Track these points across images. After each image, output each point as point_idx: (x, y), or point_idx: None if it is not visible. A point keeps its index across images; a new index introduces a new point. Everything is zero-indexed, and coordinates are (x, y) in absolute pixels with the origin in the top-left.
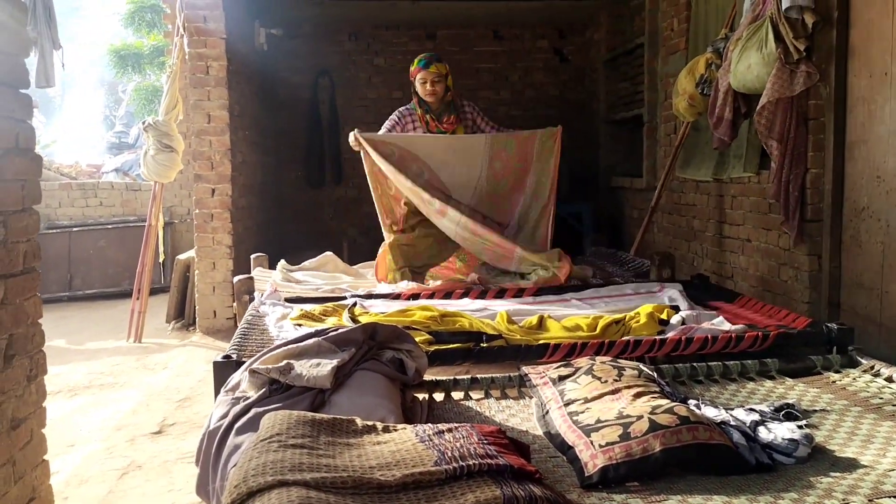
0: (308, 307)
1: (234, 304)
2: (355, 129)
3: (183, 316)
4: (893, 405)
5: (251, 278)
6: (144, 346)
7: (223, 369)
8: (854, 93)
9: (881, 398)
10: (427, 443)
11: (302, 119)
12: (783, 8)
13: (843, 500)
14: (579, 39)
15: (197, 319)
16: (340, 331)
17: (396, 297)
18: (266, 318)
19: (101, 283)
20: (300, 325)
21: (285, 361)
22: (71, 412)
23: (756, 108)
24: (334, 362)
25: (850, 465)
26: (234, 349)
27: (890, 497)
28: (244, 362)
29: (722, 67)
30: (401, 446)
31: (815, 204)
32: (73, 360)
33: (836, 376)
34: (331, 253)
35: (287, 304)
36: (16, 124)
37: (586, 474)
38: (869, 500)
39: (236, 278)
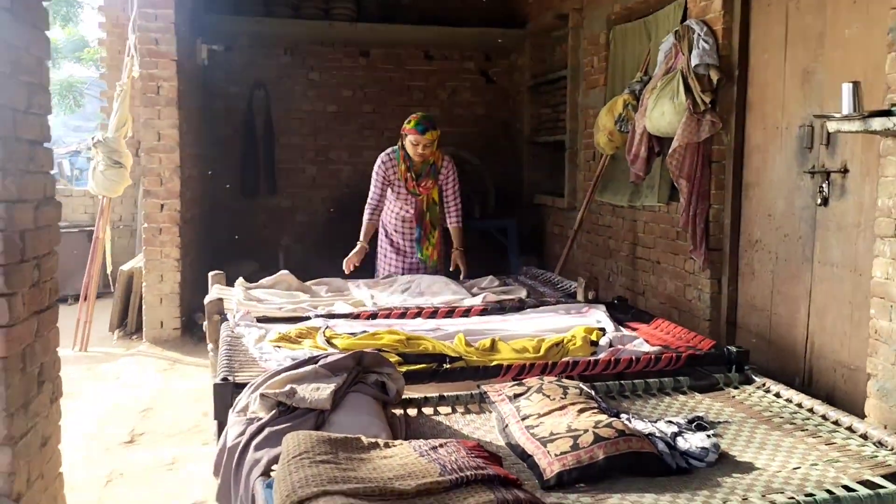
0: (283, 329)
1: (205, 323)
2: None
3: (125, 324)
4: (781, 417)
5: (220, 300)
6: (91, 354)
7: (222, 389)
8: (751, 141)
9: (771, 411)
10: (426, 457)
11: (237, 129)
12: (692, 64)
13: (744, 496)
14: (504, 63)
15: (144, 329)
16: (332, 358)
17: (356, 316)
18: (243, 339)
19: None
20: (279, 346)
21: (289, 386)
22: None
23: (668, 149)
24: (332, 386)
25: (748, 467)
26: (226, 371)
27: (778, 493)
28: (239, 383)
29: (638, 112)
30: (405, 460)
31: (717, 235)
32: None
33: (735, 392)
34: (286, 271)
35: (260, 324)
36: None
37: (545, 478)
38: (763, 496)
39: (207, 299)
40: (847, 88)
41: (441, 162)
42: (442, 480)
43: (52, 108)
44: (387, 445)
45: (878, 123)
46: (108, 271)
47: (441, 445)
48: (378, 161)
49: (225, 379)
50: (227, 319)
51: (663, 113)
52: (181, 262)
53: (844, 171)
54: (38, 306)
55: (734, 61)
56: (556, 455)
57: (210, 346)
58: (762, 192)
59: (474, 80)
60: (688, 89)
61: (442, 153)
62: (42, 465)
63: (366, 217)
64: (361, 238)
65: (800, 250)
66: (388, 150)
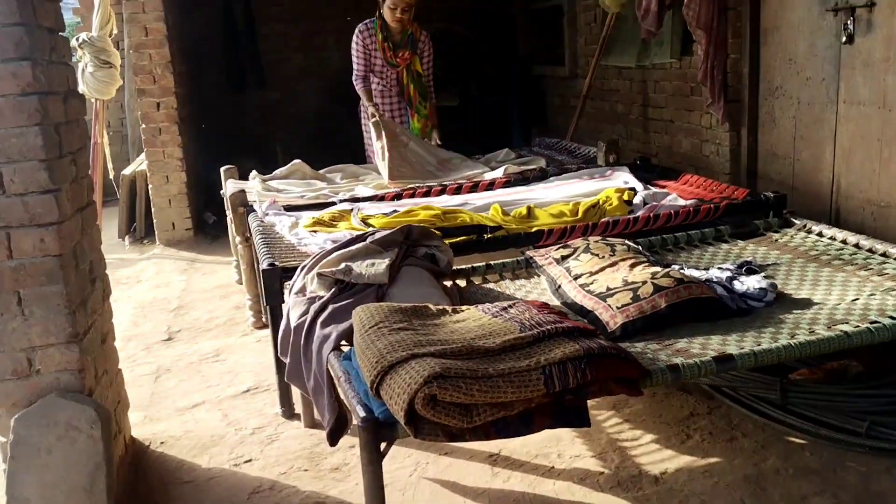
0: (314, 214)
1: (230, 216)
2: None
3: (134, 230)
4: (828, 255)
5: (243, 192)
6: (107, 261)
7: (270, 275)
8: None
9: (817, 250)
10: (500, 317)
11: (216, 21)
12: None
13: (810, 329)
14: None
15: (156, 232)
16: (381, 234)
17: (381, 198)
18: (275, 227)
19: None
20: (315, 231)
21: (344, 264)
22: None
23: (679, 1)
24: (386, 261)
25: (807, 303)
26: (268, 257)
27: (843, 324)
28: (286, 267)
29: None
30: (481, 322)
31: (735, 86)
32: None
33: (776, 235)
34: (299, 161)
35: (288, 213)
36: None
37: (609, 330)
38: (828, 328)
39: (228, 193)
40: None
41: (419, 34)
42: (524, 336)
43: None
44: (455, 311)
45: None
46: (111, 177)
47: (510, 306)
48: (356, 32)
49: (271, 265)
50: (252, 211)
51: None
52: (184, 161)
53: (871, 4)
54: (80, 203)
55: None
56: (617, 308)
57: (238, 238)
58: (781, 36)
59: None
60: None
61: (420, 28)
62: (105, 362)
63: (359, 87)
64: (367, 102)
65: (823, 92)
66: (366, 20)
